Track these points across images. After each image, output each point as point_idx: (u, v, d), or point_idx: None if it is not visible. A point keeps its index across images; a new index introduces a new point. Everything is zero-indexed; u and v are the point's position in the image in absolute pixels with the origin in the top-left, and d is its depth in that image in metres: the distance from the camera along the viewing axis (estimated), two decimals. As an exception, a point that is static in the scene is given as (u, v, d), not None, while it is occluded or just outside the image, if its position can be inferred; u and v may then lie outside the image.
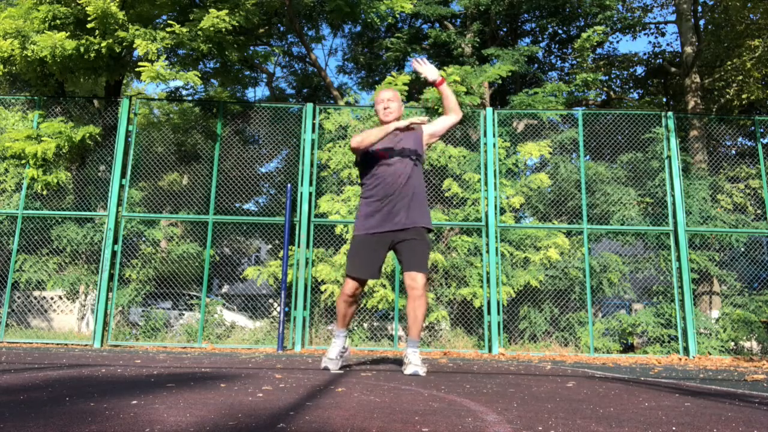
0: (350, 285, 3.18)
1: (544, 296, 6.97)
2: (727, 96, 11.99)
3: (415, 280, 3.11)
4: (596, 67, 13.34)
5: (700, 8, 12.18)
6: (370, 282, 6.65)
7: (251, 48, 9.08)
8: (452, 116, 3.40)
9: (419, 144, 3.35)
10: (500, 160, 7.17)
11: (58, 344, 6.49)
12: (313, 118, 7.04)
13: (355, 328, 6.92)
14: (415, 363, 3.08)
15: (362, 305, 6.83)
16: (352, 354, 5.79)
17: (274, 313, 7.95)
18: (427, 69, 3.38)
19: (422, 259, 3.15)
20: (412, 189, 3.21)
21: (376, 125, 7.30)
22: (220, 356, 4.86)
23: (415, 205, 3.20)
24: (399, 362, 4.37)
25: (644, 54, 14.89)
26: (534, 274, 6.78)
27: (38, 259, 6.90)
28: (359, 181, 3.37)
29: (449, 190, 7.16)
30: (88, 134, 7.07)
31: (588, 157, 7.52)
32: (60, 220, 6.97)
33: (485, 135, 7.09)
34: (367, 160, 3.30)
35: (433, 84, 3.38)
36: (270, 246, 9.11)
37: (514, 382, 2.74)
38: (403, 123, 3.24)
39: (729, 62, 11.74)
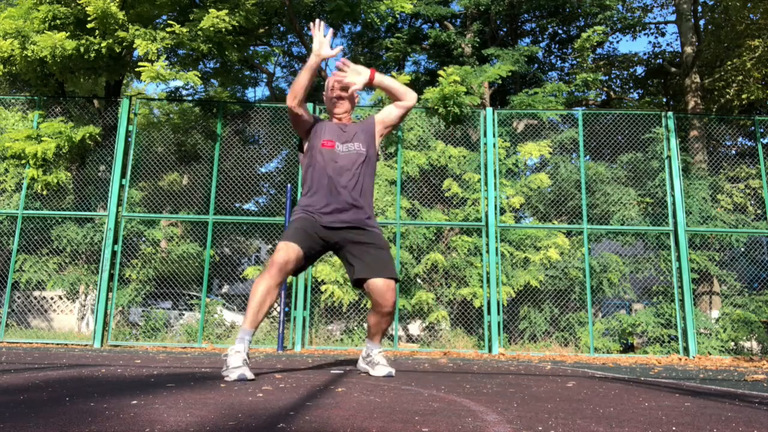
0: (282, 253, 2.57)
1: (544, 296, 6.97)
2: (727, 96, 11.98)
3: (390, 290, 2.69)
4: (596, 67, 13.33)
5: (700, 8, 12.18)
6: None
7: (251, 48, 9.08)
8: (403, 102, 2.91)
9: (371, 137, 2.92)
10: (500, 160, 7.17)
11: (58, 344, 6.49)
12: (313, 118, 7.03)
13: (356, 328, 6.92)
14: (383, 363, 2.95)
15: (362, 305, 6.82)
16: (353, 354, 5.78)
17: (274, 313, 7.95)
18: (351, 74, 2.78)
19: (391, 264, 2.76)
20: (361, 187, 2.80)
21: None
22: (220, 356, 4.86)
23: (363, 204, 2.80)
24: (399, 362, 4.37)
25: (644, 54, 14.90)
26: (534, 274, 6.78)
27: (38, 259, 6.90)
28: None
29: (449, 190, 7.16)
30: (88, 134, 7.08)
31: (588, 157, 7.52)
32: (60, 220, 6.97)
33: (485, 135, 7.09)
34: (311, 151, 2.85)
35: (369, 85, 2.83)
36: (270, 246, 9.11)
37: (514, 382, 2.74)
38: (320, 51, 2.69)
39: (729, 62, 11.74)
